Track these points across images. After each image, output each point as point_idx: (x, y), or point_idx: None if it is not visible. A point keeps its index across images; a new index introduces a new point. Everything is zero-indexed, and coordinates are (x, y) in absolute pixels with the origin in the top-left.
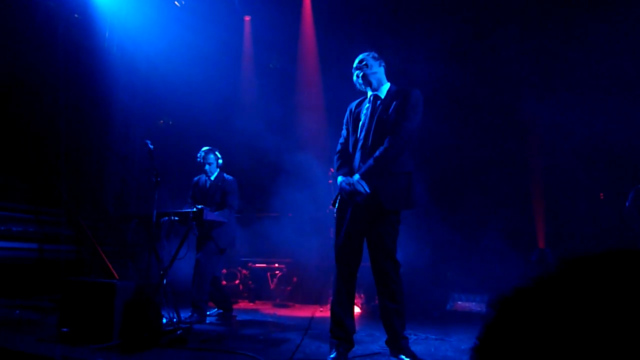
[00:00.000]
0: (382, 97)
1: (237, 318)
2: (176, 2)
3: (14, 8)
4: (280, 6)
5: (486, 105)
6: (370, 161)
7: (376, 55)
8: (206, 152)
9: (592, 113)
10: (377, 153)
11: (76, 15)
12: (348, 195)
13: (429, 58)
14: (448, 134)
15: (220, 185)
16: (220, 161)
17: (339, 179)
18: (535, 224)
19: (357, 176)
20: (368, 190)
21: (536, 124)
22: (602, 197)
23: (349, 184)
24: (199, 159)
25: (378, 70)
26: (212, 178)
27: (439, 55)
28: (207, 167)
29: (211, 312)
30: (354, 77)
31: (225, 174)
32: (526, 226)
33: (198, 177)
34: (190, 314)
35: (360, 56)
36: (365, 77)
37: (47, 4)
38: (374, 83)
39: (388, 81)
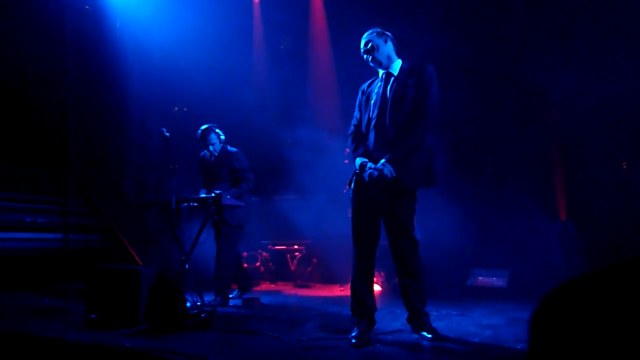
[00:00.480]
0: (395, 74)
1: (260, 300)
2: None
3: (26, 0)
4: None
5: (500, 74)
6: (399, 147)
7: (380, 30)
8: (206, 131)
9: (612, 79)
10: (404, 140)
11: (87, 7)
12: (374, 180)
13: (438, 27)
14: (462, 106)
15: (225, 160)
16: (222, 137)
17: (357, 160)
18: (556, 197)
19: (383, 160)
20: (394, 174)
21: (554, 94)
22: (625, 167)
23: (377, 169)
24: (198, 137)
25: (386, 48)
26: (217, 153)
27: (448, 23)
28: (210, 147)
29: (232, 294)
30: (364, 59)
31: (229, 147)
32: (547, 199)
33: (203, 152)
34: (213, 297)
35: (365, 37)
36: (375, 60)
37: None
38: (384, 62)
39: (398, 57)
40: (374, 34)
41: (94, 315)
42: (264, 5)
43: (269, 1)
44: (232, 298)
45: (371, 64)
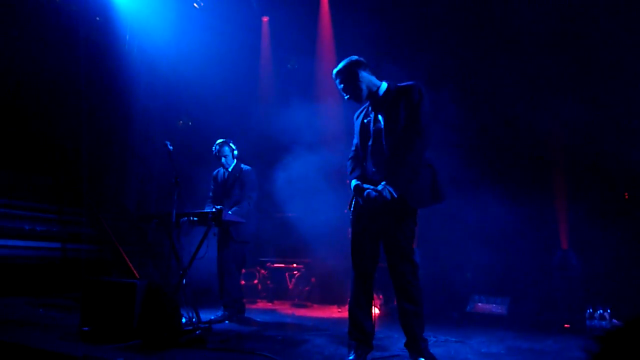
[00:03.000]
0: (383, 99)
1: (255, 319)
2: (195, 4)
3: (39, 12)
4: (298, 6)
5: (505, 102)
6: (398, 168)
7: (350, 63)
8: (220, 144)
9: (613, 111)
10: (403, 159)
11: (97, 19)
12: (372, 200)
13: (440, 50)
14: (466, 133)
15: (238, 176)
16: (235, 152)
17: (352, 183)
18: (557, 225)
19: (383, 183)
20: (395, 195)
21: (557, 121)
22: (627, 197)
23: (376, 191)
24: (214, 152)
25: (364, 80)
26: (230, 169)
27: (451, 50)
28: (222, 159)
29: (217, 316)
30: (344, 96)
31: (242, 165)
32: (548, 227)
33: (217, 170)
34: (222, 312)
35: (337, 78)
36: (358, 98)
37: (70, 8)
38: (366, 93)
39: (382, 80)
40: (347, 69)
41: (87, 328)
42: (272, 24)
43: (278, 20)
44: (217, 320)
45: (353, 100)
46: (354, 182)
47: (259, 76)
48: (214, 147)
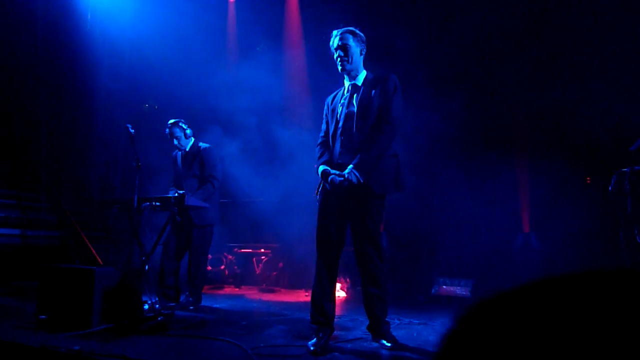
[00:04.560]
0: (360, 85)
1: (221, 304)
2: None
3: None
4: None
5: (470, 88)
6: (365, 153)
7: (359, 34)
8: (171, 126)
9: (580, 97)
10: (371, 146)
11: None
12: (336, 186)
13: (411, 33)
14: (433, 116)
15: (196, 154)
16: (188, 131)
17: (320, 168)
18: (520, 208)
19: (350, 167)
20: (362, 180)
21: (521, 107)
22: (589, 181)
23: (341, 176)
24: (167, 134)
25: (359, 59)
26: (187, 149)
27: (422, 31)
28: (175, 141)
29: (181, 302)
30: (335, 58)
31: (200, 143)
32: (511, 211)
33: (175, 151)
34: (184, 297)
35: (344, 38)
36: (345, 70)
37: None
38: (353, 73)
39: (364, 68)
40: (357, 40)
41: (44, 316)
42: (238, 5)
43: (244, 1)
44: (181, 306)
45: (340, 72)
46: (321, 168)
47: (226, 58)
48: (166, 130)
